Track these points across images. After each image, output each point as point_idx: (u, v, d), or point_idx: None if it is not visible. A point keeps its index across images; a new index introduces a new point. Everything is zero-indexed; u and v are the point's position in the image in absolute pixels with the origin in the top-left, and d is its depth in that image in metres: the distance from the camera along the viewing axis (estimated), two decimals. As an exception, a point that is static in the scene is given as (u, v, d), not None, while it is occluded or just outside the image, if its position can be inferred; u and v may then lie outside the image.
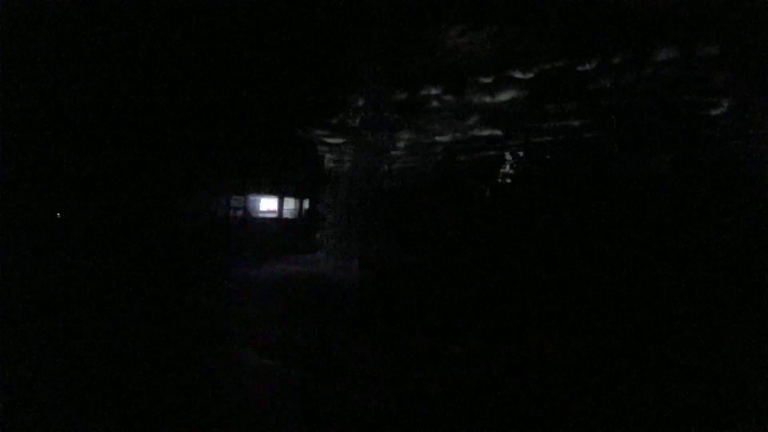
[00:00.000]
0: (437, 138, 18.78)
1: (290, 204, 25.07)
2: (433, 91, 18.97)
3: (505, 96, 18.30)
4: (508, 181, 15.97)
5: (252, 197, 24.26)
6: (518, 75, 18.29)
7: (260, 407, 4.85)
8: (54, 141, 18.18)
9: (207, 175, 21.96)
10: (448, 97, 18.85)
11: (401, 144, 19.38)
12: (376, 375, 5.83)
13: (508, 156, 16.12)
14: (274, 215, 24.54)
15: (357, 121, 18.79)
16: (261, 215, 24.24)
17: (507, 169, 16.38)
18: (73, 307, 8.84)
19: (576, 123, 17.53)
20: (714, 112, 17.35)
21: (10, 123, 16.00)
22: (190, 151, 22.13)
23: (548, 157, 15.11)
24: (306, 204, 24.96)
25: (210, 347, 6.73)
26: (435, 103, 19.00)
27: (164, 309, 8.78)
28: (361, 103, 19.14)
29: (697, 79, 17.37)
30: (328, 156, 21.85)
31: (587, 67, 17.76)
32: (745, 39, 16.89)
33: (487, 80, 18.47)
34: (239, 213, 23.29)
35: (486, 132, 18.14)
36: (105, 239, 16.45)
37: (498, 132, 18.20)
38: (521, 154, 15.89)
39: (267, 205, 24.77)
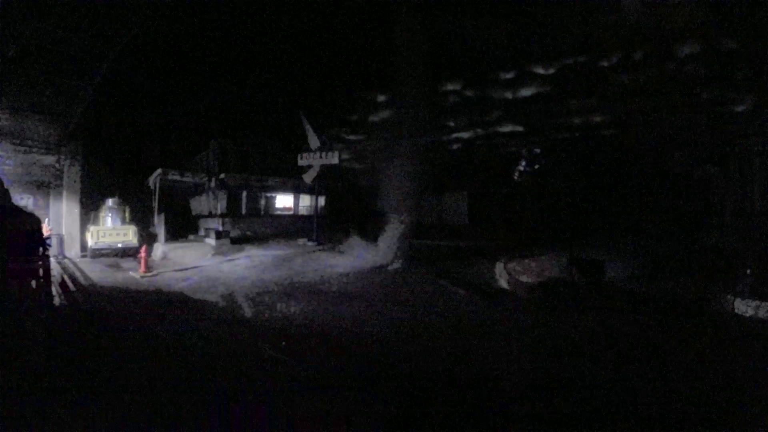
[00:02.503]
0: (458, 135, 20.53)
1: (306, 201, 26.80)
2: (454, 87, 20.65)
3: (526, 92, 19.93)
4: (524, 178, 17.77)
5: (268, 194, 26.03)
6: (539, 71, 19.94)
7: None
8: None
9: (221, 172, 23.75)
10: (469, 93, 20.52)
11: (422, 140, 21.07)
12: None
13: (524, 153, 17.94)
14: (290, 212, 26.31)
15: (377, 117, 20.72)
16: (277, 212, 26.02)
17: (523, 166, 18.18)
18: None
19: (597, 119, 19.16)
20: (738, 109, 18.85)
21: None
22: (204, 147, 23.93)
23: (564, 155, 16.89)
24: (321, 201, 26.66)
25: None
26: (456, 99, 20.69)
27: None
28: (380, 99, 21.03)
29: (719, 75, 18.86)
30: (346, 153, 23.62)
31: (609, 62, 19.35)
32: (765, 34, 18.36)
33: (508, 76, 20.13)
34: (257, 210, 25.08)
35: (507, 128, 19.82)
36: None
37: (519, 128, 19.87)
38: (538, 150, 17.67)
39: (283, 202, 26.53)
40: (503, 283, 11.00)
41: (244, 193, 23.49)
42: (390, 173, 18.23)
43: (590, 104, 18.93)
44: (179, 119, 23.85)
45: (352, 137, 23.66)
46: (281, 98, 23.58)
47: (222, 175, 21.84)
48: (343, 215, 23.52)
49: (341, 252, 17.16)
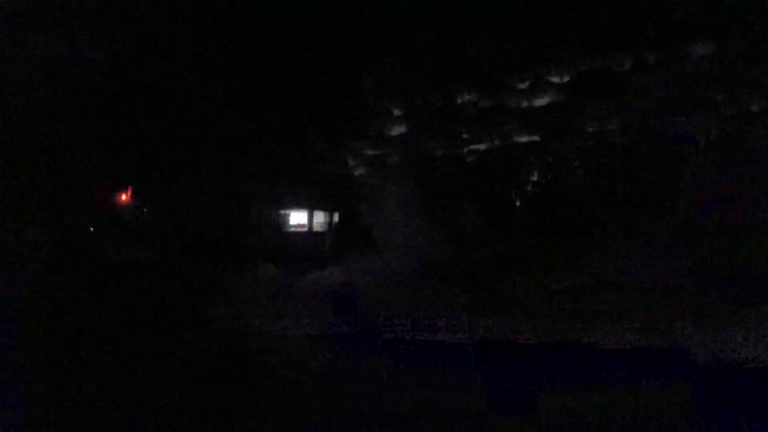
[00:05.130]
0: (474, 146, 22.25)
1: (320, 217, 28.46)
2: (468, 98, 22.40)
3: (541, 101, 21.58)
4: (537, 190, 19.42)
5: (282, 211, 27.78)
6: (554, 79, 21.61)
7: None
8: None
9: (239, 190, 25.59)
10: (484, 104, 22.25)
11: (439, 152, 22.77)
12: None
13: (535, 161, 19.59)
14: (303, 229, 28.02)
15: (394, 131, 22.50)
16: (292, 229, 27.77)
17: (535, 176, 19.84)
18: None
19: (614, 125, 20.66)
20: (754, 108, 20.10)
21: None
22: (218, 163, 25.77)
23: (577, 163, 18.52)
24: (336, 217, 28.26)
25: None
26: (471, 111, 22.43)
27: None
28: (398, 113, 22.75)
29: (735, 75, 20.13)
30: (362, 167, 25.27)
31: (622, 67, 20.91)
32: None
33: (523, 85, 21.84)
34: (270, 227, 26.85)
35: (523, 138, 21.48)
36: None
37: (536, 137, 21.51)
38: (550, 159, 19.23)
39: (297, 218, 28.25)
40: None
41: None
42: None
43: (605, 110, 20.49)
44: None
45: (369, 151, 25.41)
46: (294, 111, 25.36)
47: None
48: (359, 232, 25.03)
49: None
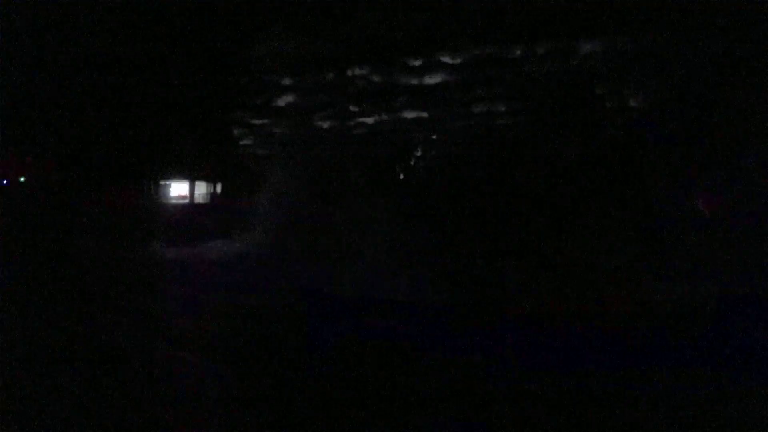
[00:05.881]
0: (362, 119, 22.22)
1: (202, 188, 27.50)
2: (359, 72, 22.28)
3: (432, 79, 21.83)
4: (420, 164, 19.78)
5: (162, 182, 26.57)
6: (447, 59, 21.91)
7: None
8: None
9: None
10: (375, 78, 22.20)
11: (326, 125, 22.55)
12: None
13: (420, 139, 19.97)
14: (185, 201, 26.95)
15: (284, 101, 22.09)
16: (172, 201, 26.62)
17: (419, 152, 20.19)
18: None
19: (501, 108, 21.29)
20: (632, 103, 21.51)
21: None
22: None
23: (461, 141, 19.01)
24: (218, 188, 27.36)
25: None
26: (361, 84, 22.32)
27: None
28: (287, 83, 22.27)
29: (616, 72, 21.36)
30: (249, 138, 24.55)
31: (514, 54, 21.54)
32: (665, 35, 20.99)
33: (416, 63, 21.96)
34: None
35: (412, 114, 21.70)
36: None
37: (424, 114, 21.79)
38: (435, 137, 19.60)
39: (178, 190, 27.12)
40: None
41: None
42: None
43: (494, 93, 21.06)
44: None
45: (256, 121, 24.76)
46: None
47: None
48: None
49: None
